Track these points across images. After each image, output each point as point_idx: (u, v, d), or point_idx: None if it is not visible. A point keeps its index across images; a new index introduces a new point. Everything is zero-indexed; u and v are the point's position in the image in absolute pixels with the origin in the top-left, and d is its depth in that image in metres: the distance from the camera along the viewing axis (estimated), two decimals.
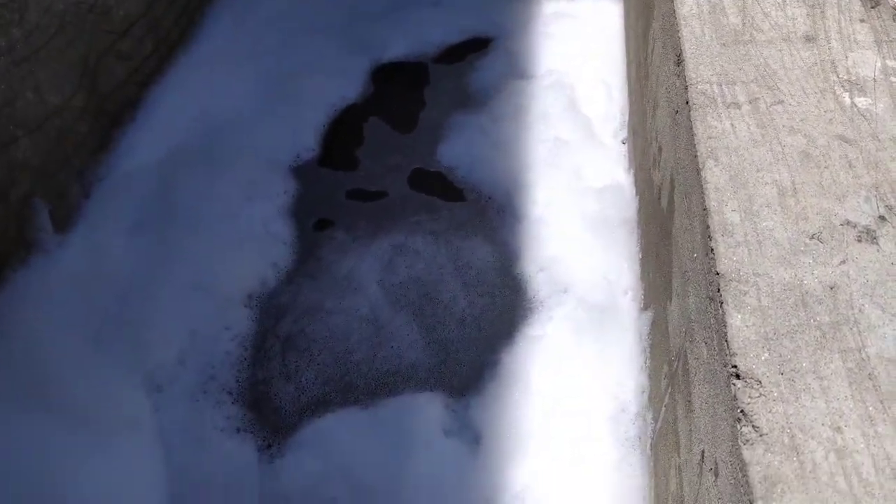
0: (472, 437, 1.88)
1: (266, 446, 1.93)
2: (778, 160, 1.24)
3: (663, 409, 1.50)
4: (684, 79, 1.45)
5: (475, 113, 2.83)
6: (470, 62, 3.09)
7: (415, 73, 3.06)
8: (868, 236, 1.10)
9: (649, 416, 1.67)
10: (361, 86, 3.00)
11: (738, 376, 0.96)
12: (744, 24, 1.54)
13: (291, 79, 2.93)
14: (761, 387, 0.94)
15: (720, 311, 1.05)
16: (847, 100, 1.34)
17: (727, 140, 1.29)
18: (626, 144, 2.48)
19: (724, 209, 1.17)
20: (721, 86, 1.40)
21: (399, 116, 2.89)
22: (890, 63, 1.40)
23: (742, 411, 0.93)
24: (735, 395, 0.95)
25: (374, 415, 1.96)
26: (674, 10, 1.63)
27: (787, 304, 1.03)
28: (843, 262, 1.07)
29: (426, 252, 2.39)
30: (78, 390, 2.00)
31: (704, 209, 1.19)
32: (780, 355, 0.97)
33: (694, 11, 1.59)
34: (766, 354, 0.97)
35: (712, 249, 1.13)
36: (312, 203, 2.58)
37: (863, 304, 1.01)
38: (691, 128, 1.34)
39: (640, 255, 2.02)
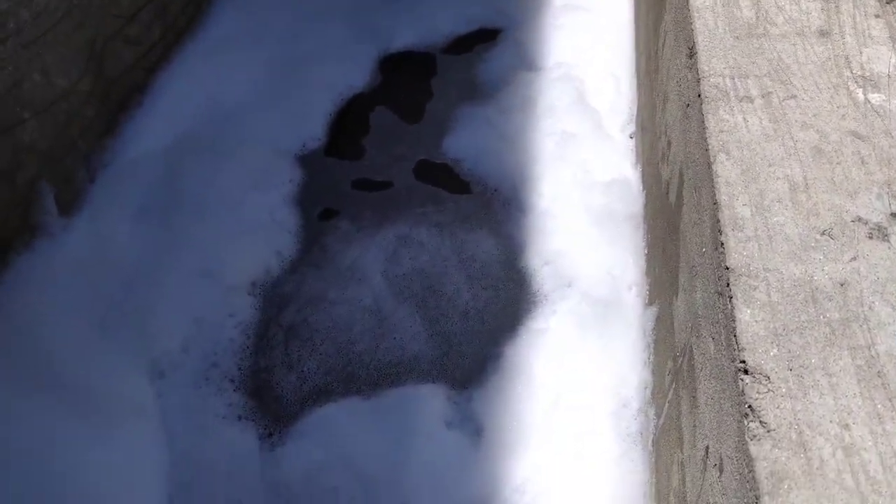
0: (474, 430, 1.88)
1: (267, 434, 1.93)
2: (790, 155, 1.23)
3: (666, 404, 1.49)
4: (696, 72, 1.44)
5: (482, 104, 2.81)
6: (478, 53, 3.08)
7: (423, 63, 3.05)
8: (879, 233, 1.09)
9: (652, 412, 1.67)
10: (369, 74, 2.99)
11: (746, 371, 0.95)
12: (757, 18, 1.53)
13: (299, 66, 2.92)
14: (770, 382, 0.93)
15: (729, 306, 1.04)
16: (860, 96, 1.32)
17: (739, 134, 1.28)
18: (634, 139, 2.47)
19: (735, 203, 1.16)
20: (734, 79, 1.39)
21: (406, 106, 2.88)
22: None
23: (750, 406, 0.92)
24: (743, 391, 0.94)
25: (377, 405, 1.96)
26: (687, 2, 1.61)
27: (797, 300, 1.02)
28: (854, 258, 1.06)
29: (431, 244, 2.38)
30: (81, 375, 2.00)
31: (715, 203, 1.18)
32: (789, 351, 0.96)
33: (707, 4, 1.58)
34: (775, 350, 0.96)
35: (722, 244, 1.12)
36: (318, 192, 2.57)
37: (873, 302, 1.00)
38: (703, 121, 1.33)
39: (646, 250, 2.01)
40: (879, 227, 1.10)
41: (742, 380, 0.95)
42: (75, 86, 2.39)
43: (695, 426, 1.22)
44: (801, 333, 0.98)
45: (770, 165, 1.22)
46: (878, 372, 0.93)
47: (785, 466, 0.86)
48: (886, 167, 1.19)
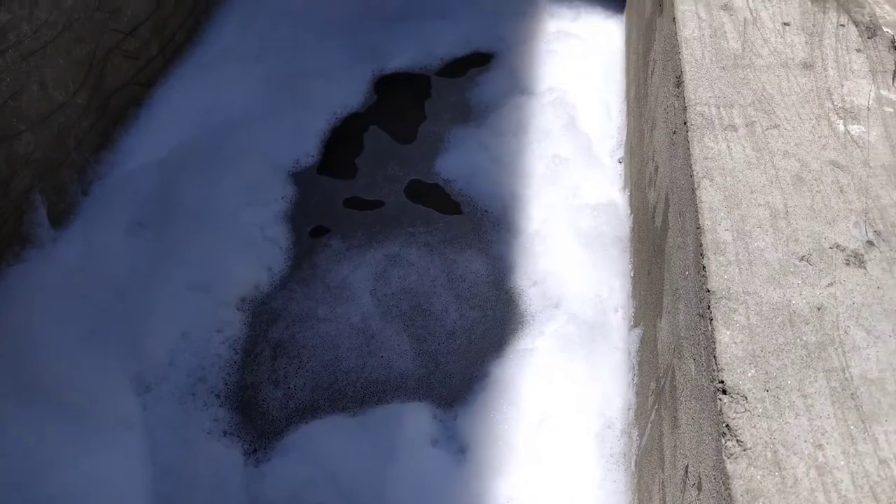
0: (459, 448, 1.89)
1: (252, 450, 1.94)
2: (771, 182, 1.27)
3: (649, 425, 1.51)
4: (683, 100, 1.48)
5: (475, 127, 2.86)
6: (472, 76, 3.13)
7: (417, 85, 3.10)
8: (856, 260, 1.12)
9: (635, 433, 1.69)
10: (364, 94, 3.04)
11: (724, 391, 0.98)
12: (743, 49, 1.58)
13: (295, 83, 2.96)
14: (747, 402, 0.96)
15: (709, 328, 1.07)
16: (841, 127, 1.37)
17: (723, 161, 1.32)
18: (623, 164, 2.51)
19: (718, 228, 1.20)
20: (719, 108, 1.43)
21: (399, 127, 2.92)
22: (884, 92, 1.43)
23: (727, 426, 0.94)
24: (721, 410, 0.97)
25: (363, 422, 1.97)
26: (675, 33, 1.66)
27: (775, 323, 1.05)
28: (831, 284, 1.09)
29: (420, 263, 2.40)
30: (68, 386, 2.00)
31: (698, 227, 1.22)
32: (767, 372, 0.99)
33: (695, 35, 1.63)
34: (753, 371, 0.99)
35: (704, 267, 1.15)
36: (310, 209, 2.60)
37: (848, 326, 1.03)
38: (688, 148, 1.37)
39: (632, 273, 2.04)
40: (856, 254, 1.13)
41: (720, 399, 0.97)
42: (73, 99, 2.41)
43: (675, 446, 1.24)
44: (779, 355, 1.00)
45: (752, 192, 1.25)
46: (852, 394, 0.96)
47: (760, 484, 0.88)
48: (864, 196, 1.23)
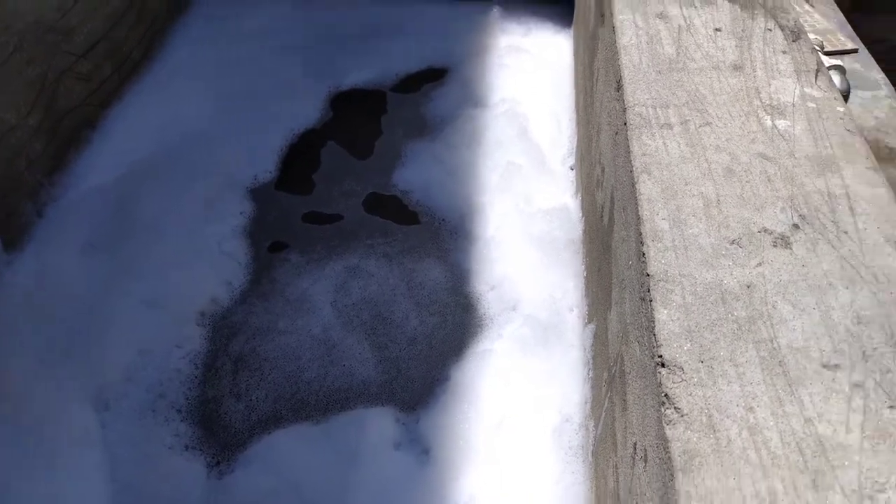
0: (422, 450, 1.93)
1: (215, 463, 1.94)
2: (704, 175, 1.36)
3: (603, 413, 1.58)
4: (623, 102, 1.57)
5: (430, 140, 2.93)
6: (426, 91, 3.22)
7: (373, 101, 3.17)
8: (783, 242, 1.21)
9: (591, 425, 1.75)
10: (320, 111, 3.10)
11: (663, 365, 1.05)
12: (678, 54, 1.68)
13: (252, 101, 3.01)
14: (683, 373, 1.03)
15: (650, 309, 1.14)
16: (768, 122, 1.47)
17: (660, 157, 1.41)
18: (574, 170, 2.61)
19: (656, 218, 1.28)
20: (655, 108, 1.53)
21: (356, 142, 2.98)
22: (807, 90, 1.54)
23: (666, 395, 1.01)
24: (660, 382, 1.03)
25: (325, 430, 1.99)
26: (615, 41, 1.76)
27: (709, 301, 1.12)
28: (760, 264, 1.18)
29: (380, 274, 2.45)
30: (26, 407, 1.99)
31: (638, 218, 1.30)
32: (701, 346, 1.06)
33: (633, 42, 1.73)
34: (689, 345, 1.06)
35: (644, 254, 1.23)
36: (268, 225, 2.63)
37: (776, 301, 1.12)
38: (628, 146, 1.46)
39: (585, 273, 2.12)
40: (783, 236, 1.22)
41: (660, 372, 1.04)
42: (24, 120, 2.42)
43: (626, 427, 1.31)
44: (712, 330, 1.08)
45: (687, 184, 1.34)
46: (780, 362, 1.03)
47: (696, 446, 0.94)
48: (790, 184, 1.32)
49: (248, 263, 2.48)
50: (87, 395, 2.05)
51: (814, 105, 1.51)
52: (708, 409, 0.99)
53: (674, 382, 1.02)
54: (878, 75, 2.49)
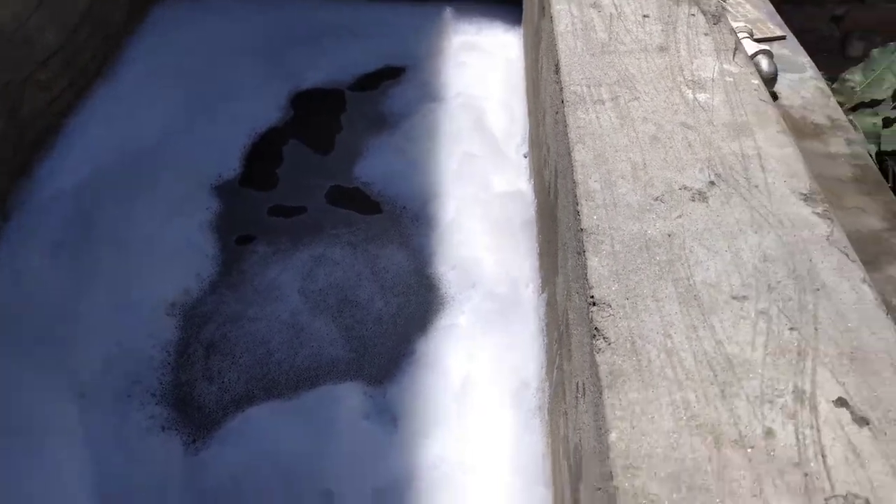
0: (390, 419, 2.05)
1: (191, 441, 2.04)
2: (633, 143, 1.51)
3: (555, 371, 1.72)
4: (560, 83, 1.73)
5: (389, 134, 3.07)
6: (384, 89, 3.35)
7: (332, 99, 3.30)
8: (700, 197, 1.37)
9: (547, 386, 1.89)
10: (281, 110, 3.21)
11: (594, 304, 1.19)
12: (610, 38, 1.84)
13: (213, 103, 3.11)
14: (611, 309, 1.17)
15: (583, 258, 1.29)
16: (690, 95, 1.63)
17: (592, 128, 1.56)
18: (527, 157, 2.76)
19: (589, 181, 1.43)
20: (589, 87, 1.68)
21: (317, 139, 3.10)
22: (726, 66, 1.71)
23: (596, 328, 1.15)
24: (591, 318, 1.18)
25: (297, 405, 2.10)
26: (553, 29, 1.92)
27: (634, 249, 1.27)
28: (680, 216, 1.33)
29: (345, 261, 2.57)
30: (4, 403, 2.06)
31: (574, 182, 1.44)
32: (627, 286, 1.21)
33: (569, 29, 1.89)
34: (616, 286, 1.21)
35: (578, 212, 1.37)
36: (234, 219, 2.73)
37: (692, 246, 1.27)
38: (566, 121, 1.61)
39: (538, 249, 2.27)
40: (700, 192, 1.38)
41: (591, 310, 1.19)
42: None
43: (571, 373, 1.45)
44: (636, 272, 1.23)
45: (617, 151, 1.49)
46: (695, 296, 1.19)
47: (621, 367, 1.09)
48: (708, 148, 1.49)
49: (217, 256, 2.58)
50: (64, 385, 2.13)
51: (731, 79, 1.67)
52: (632, 337, 1.13)
53: (602, 317, 1.16)
54: (804, 59, 2.70)
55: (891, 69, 2.94)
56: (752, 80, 1.66)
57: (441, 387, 2.10)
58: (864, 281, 1.20)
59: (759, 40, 2.67)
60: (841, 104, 3.08)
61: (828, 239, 1.27)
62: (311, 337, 2.32)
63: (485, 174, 2.73)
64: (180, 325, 2.36)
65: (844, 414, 1.02)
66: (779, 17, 2.89)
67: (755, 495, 0.94)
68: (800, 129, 2.39)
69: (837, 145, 2.30)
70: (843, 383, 1.06)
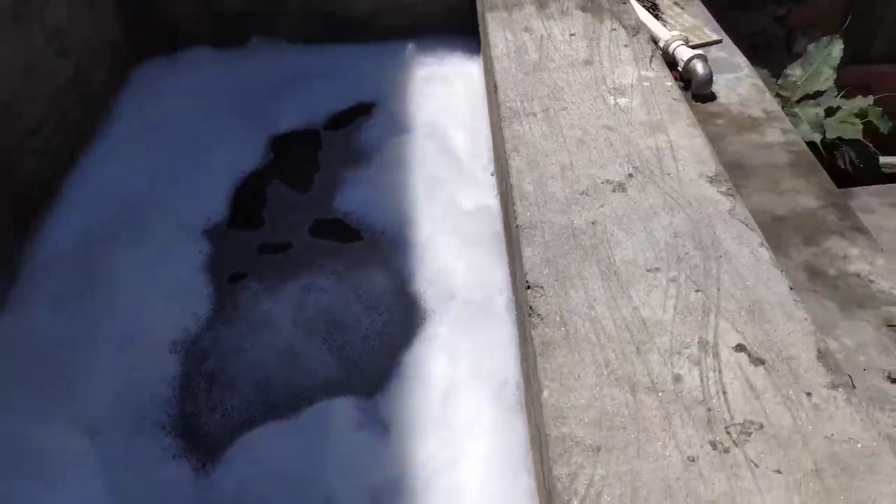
0: (382, 427, 2.23)
1: (201, 465, 2.22)
2: (561, 147, 1.72)
3: (522, 363, 1.91)
4: (498, 101, 1.94)
5: (364, 167, 3.29)
6: (357, 125, 3.58)
7: (309, 140, 3.53)
8: (620, 188, 1.57)
9: (522, 382, 2.07)
10: (261, 155, 3.44)
11: (529, 287, 1.39)
12: (541, 58, 2.06)
13: (197, 154, 3.34)
14: (543, 290, 1.37)
15: (520, 249, 1.48)
16: (612, 101, 1.84)
17: (526, 138, 1.77)
18: (493, 175, 2.97)
19: (523, 183, 1.63)
20: (523, 102, 1.90)
21: (297, 178, 3.32)
22: (644, 72, 1.93)
23: (531, 307, 1.35)
24: (527, 299, 1.37)
25: (294, 423, 2.28)
26: (490, 53, 2.14)
27: (563, 238, 1.47)
28: (602, 206, 1.53)
29: (331, 288, 2.77)
30: (23, 445, 2.25)
31: (511, 186, 1.65)
32: (556, 269, 1.41)
33: (504, 52, 2.11)
34: (547, 270, 1.41)
35: (515, 211, 1.58)
36: (225, 260, 2.94)
37: (613, 230, 1.47)
38: (503, 134, 1.82)
39: (507, 258, 2.46)
40: (620, 183, 1.58)
41: (527, 293, 1.38)
42: None
43: (526, 359, 1.64)
44: (565, 257, 1.43)
45: (547, 156, 1.70)
46: (615, 272, 1.38)
47: (551, 337, 1.28)
48: (627, 145, 1.69)
49: (212, 294, 2.78)
50: (79, 426, 2.32)
51: (648, 83, 1.89)
52: (560, 311, 1.32)
53: (535, 298, 1.36)
54: (740, 59, 2.93)
55: (826, 62, 3.16)
56: (666, 83, 1.88)
57: (427, 392, 2.28)
58: (761, 245, 1.39)
59: (695, 46, 2.89)
60: (787, 97, 3.30)
61: (730, 213, 1.47)
62: (305, 360, 2.51)
63: (454, 194, 2.94)
64: (182, 360, 2.55)
65: (743, 357, 1.21)
66: (715, 23, 3.12)
67: (664, 429, 1.12)
68: (738, 124, 2.60)
69: (773, 135, 2.50)
70: (742, 332, 1.24)
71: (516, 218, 1.54)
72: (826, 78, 3.13)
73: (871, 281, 1.91)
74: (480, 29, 2.92)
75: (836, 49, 3.11)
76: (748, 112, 2.65)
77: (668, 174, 1.58)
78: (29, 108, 3.02)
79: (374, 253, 2.88)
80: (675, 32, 2.81)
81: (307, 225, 3.08)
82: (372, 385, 2.39)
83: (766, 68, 3.42)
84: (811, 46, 3.23)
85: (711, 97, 2.65)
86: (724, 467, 1.06)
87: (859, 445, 1.07)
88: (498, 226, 2.71)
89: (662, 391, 1.17)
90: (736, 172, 2.33)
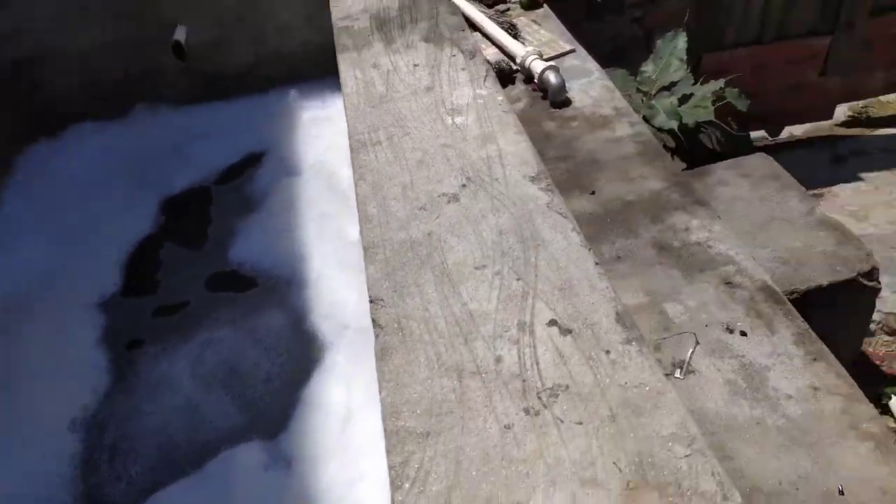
0: (286, 463, 2.32)
1: None
2: (403, 170, 1.88)
3: None
4: (349, 136, 2.09)
5: (255, 214, 3.41)
6: (248, 175, 3.70)
7: (200, 197, 3.62)
8: (454, 198, 1.73)
9: None
10: (153, 219, 3.52)
11: (372, 301, 1.52)
12: (387, 90, 2.23)
13: (91, 226, 3.41)
14: (383, 302, 1.50)
15: (367, 268, 1.62)
16: (450, 121, 2.02)
17: (372, 165, 1.92)
18: None
19: (367, 208, 1.78)
20: (370, 133, 2.05)
21: (190, 236, 3.41)
22: (478, 91, 2.12)
23: (373, 320, 1.48)
24: (371, 314, 1.50)
25: (201, 477, 2.36)
26: (343, 91, 2.30)
27: (402, 251, 1.62)
28: (437, 217, 1.69)
29: (228, 338, 2.86)
30: None
31: (358, 212, 1.79)
32: (395, 281, 1.55)
33: (354, 89, 2.27)
34: (387, 283, 1.54)
35: (361, 234, 1.71)
36: (122, 328, 3.00)
37: (447, 238, 1.62)
38: (352, 164, 1.97)
39: None
40: (454, 195, 1.74)
41: (372, 307, 1.51)
42: None
43: None
44: (403, 269, 1.57)
45: (390, 179, 1.85)
46: (447, 274, 1.53)
47: (389, 343, 1.41)
48: (462, 159, 1.86)
49: (108, 366, 2.84)
50: None
51: (482, 101, 2.07)
52: (398, 319, 1.46)
53: (376, 310, 1.49)
54: (591, 65, 3.17)
55: (674, 54, 3.45)
56: (498, 98, 2.07)
57: (326, 423, 2.38)
58: (573, 230, 1.57)
59: (550, 58, 3.13)
60: (646, 92, 3.57)
61: (548, 206, 1.65)
62: (206, 413, 2.58)
63: (341, 227, 3.09)
64: (82, 437, 2.59)
65: (554, 330, 1.37)
66: (570, 35, 3.38)
67: (486, 405, 1.26)
68: (592, 123, 2.82)
69: (622, 129, 2.73)
70: (554, 309, 1.40)
71: (363, 240, 1.68)
72: (676, 69, 3.40)
73: (709, 246, 2.11)
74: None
75: (681, 41, 3.39)
76: (600, 111, 2.88)
77: (497, 179, 1.75)
78: None
79: (270, 296, 2.99)
80: (531, 48, 3.04)
81: (202, 280, 3.17)
82: (275, 425, 2.48)
83: (629, 68, 3.68)
84: (659, 42, 3.51)
85: (567, 102, 2.87)
86: (534, 428, 1.21)
87: (647, 388, 1.23)
88: None
89: (486, 373, 1.31)
90: (591, 167, 2.54)
